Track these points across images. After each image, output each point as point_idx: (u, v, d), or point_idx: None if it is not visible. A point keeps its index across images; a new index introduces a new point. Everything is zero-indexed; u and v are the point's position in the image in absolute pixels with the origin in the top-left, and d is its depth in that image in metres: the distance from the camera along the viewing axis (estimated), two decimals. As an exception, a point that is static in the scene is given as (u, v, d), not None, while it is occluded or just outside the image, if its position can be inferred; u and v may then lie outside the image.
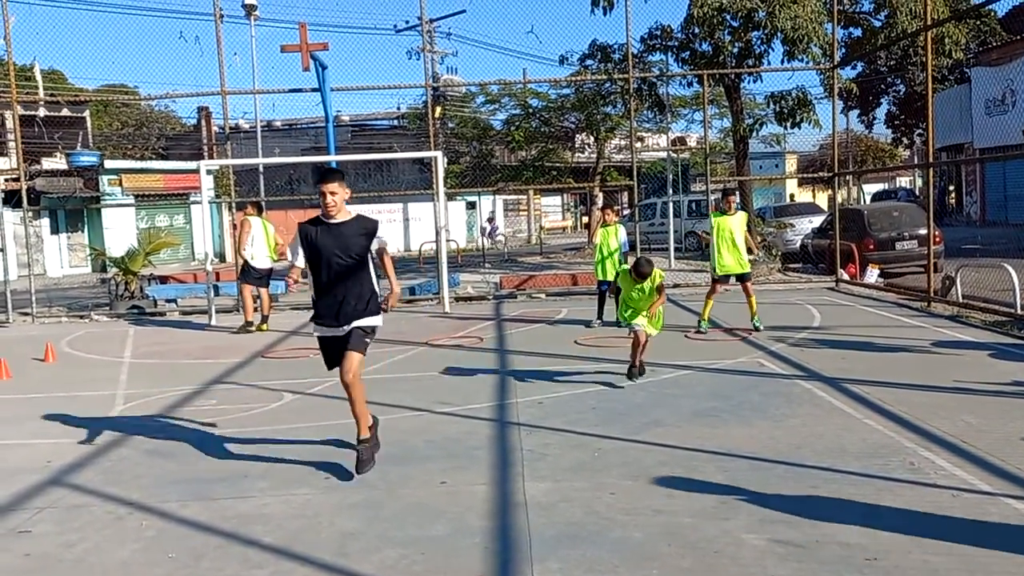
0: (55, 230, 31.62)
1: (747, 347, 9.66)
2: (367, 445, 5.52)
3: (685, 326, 11.23)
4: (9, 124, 27.47)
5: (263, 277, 12.79)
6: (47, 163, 31.82)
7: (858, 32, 21.63)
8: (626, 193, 40.32)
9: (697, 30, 17.74)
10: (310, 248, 5.64)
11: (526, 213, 47.98)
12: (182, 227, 33.78)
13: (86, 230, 32.47)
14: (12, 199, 18.50)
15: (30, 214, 19.93)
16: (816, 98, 19.06)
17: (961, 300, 12.06)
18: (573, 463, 5.62)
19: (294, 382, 8.63)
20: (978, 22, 31.85)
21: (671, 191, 24.46)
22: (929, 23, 13.01)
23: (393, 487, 5.29)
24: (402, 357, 9.98)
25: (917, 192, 43.27)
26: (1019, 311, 10.65)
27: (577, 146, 34.87)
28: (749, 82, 19.55)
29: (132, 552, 4.46)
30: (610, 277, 11.65)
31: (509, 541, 4.38)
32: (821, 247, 18.45)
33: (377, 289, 5.73)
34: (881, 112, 47.30)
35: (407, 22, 38.78)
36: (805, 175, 41.25)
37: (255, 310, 12.98)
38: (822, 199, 45.20)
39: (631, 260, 11.98)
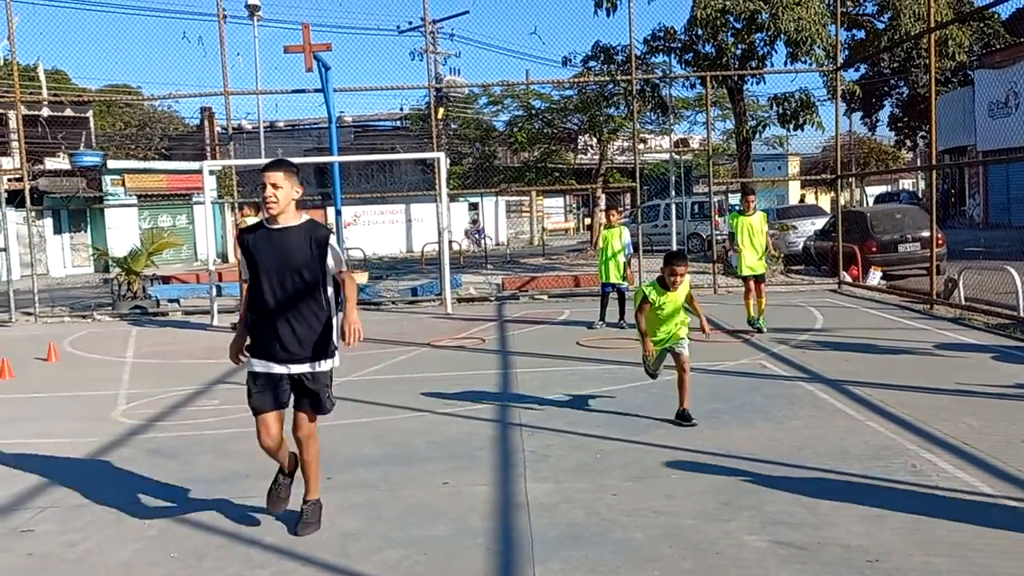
0: (58, 230, 31.66)
1: (749, 349, 9.65)
2: (316, 507, 4.67)
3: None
4: (13, 124, 27.52)
5: None
6: (50, 163, 31.86)
7: (861, 34, 21.60)
8: (629, 195, 40.31)
9: (700, 32, 17.75)
10: (247, 260, 4.50)
11: (528, 215, 47.98)
12: (185, 227, 33.81)
13: (89, 230, 32.50)
14: (15, 199, 18.54)
15: (33, 214, 19.95)
16: (819, 100, 19.08)
17: (963, 303, 12.05)
18: (575, 464, 5.62)
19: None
20: (982, 24, 31.76)
21: (674, 193, 24.43)
22: (932, 25, 13.00)
23: (395, 488, 5.29)
24: (404, 358, 9.98)
25: (920, 195, 43.22)
26: (1022, 314, 10.64)
27: (580, 147, 34.87)
28: (752, 84, 19.57)
29: (134, 552, 4.47)
30: (613, 279, 11.70)
31: (511, 542, 4.38)
32: (824, 249, 18.44)
33: (336, 320, 4.54)
34: (884, 114, 47.25)
35: (410, 23, 38.82)
36: (808, 177, 41.20)
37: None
38: (825, 201, 45.21)
39: (633, 263, 12.06)
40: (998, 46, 32.16)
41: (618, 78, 19.20)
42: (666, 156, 29.54)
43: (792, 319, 11.77)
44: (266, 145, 25.14)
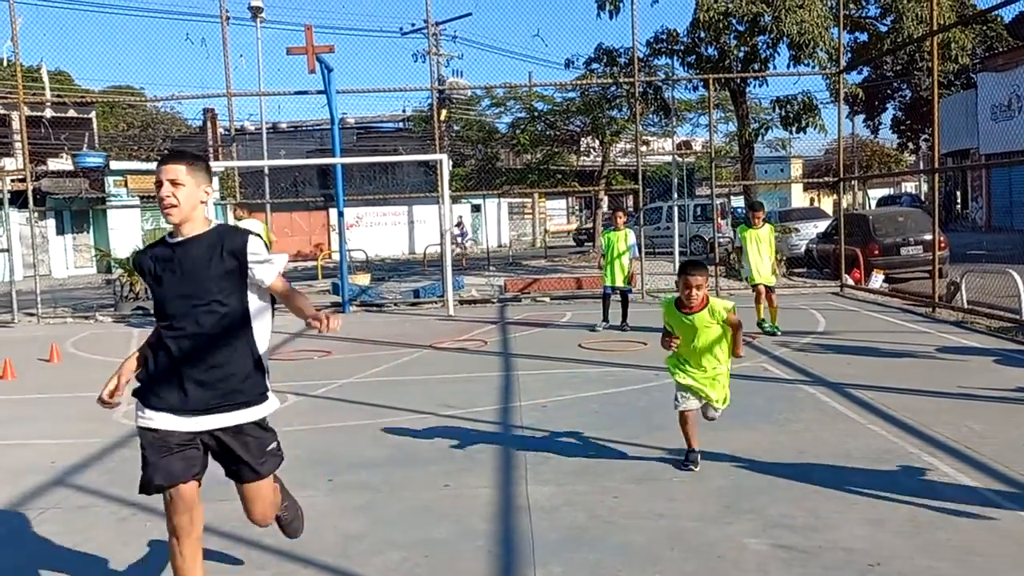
0: (60, 231, 31.71)
1: (751, 352, 9.64)
2: (289, 507, 4.09)
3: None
4: (16, 125, 27.58)
5: None
6: (53, 164, 31.92)
7: (864, 37, 21.63)
8: (631, 197, 40.32)
9: (703, 34, 17.76)
10: (151, 288, 3.52)
11: (531, 217, 48.00)
12: (187, 229, 33.82)
13: (91, 231, 32.55)
14: (18, 200, 18.57)
15: (36, 215, 19.98)
16: (822, 103, 19.09)
17: (966, 306, 12.04)
18: (576, 466, 5.62)
19: (298, 384, 8.64)
20: (984, 27, 31.82)
21: (676, 195, 24.42)
22: (935, 28, 13.00)
23: (396, 490, 5.29)
24: (406, 359, 9.99)
25: (923, 197, 43.21)
26: (1024, 317, 10.63)
27: (582, 149, 34.88)
28: (755, 86, 19.57)
29: (135, 553, 4.47)
30: (617, 282, 11.68)
31: (512, 545, 4.38)
32: (826, 252, 18.44)
33: (263, 353, 3.56)
34: (887, 117, 47.29)
35: (413, 25, 38.89)
36: (810, 180, 41.19)
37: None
38: (827, 204, 45.19)
39: (636, 264, 12.04)
40: (1001, 49, 32.18)
41: (621, 80, 19.20)
42: (668, 158, 29.56)
43: (794, 322, 11.76)
44: (268, 146, 25.19)
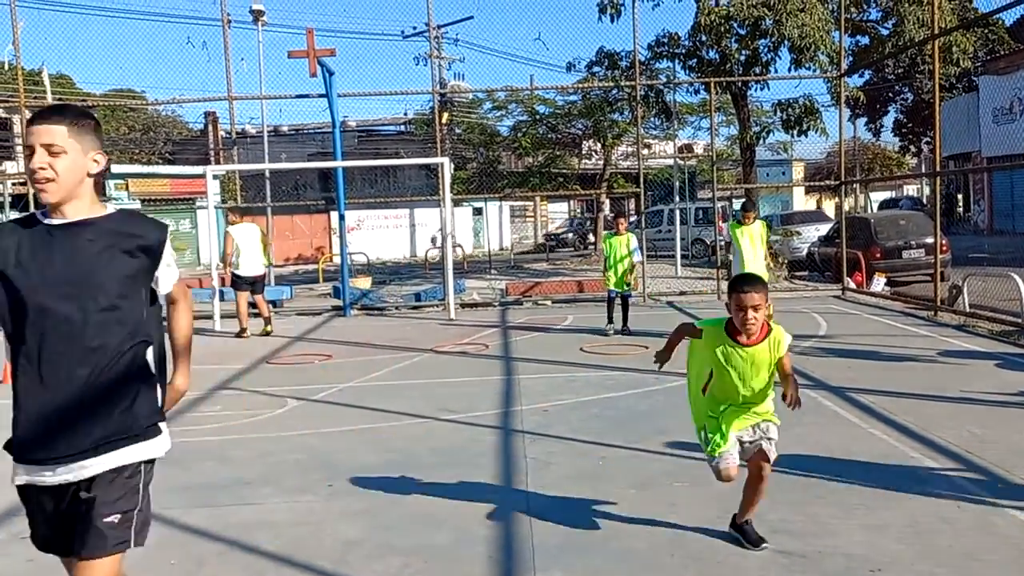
0: (62, 234, 31.70)
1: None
2: None
3: (690, 334, 11.20)
4: (17, 128, 27.61)
5: (255, 283, 12.80)
6: (55, 167, 31.92)
7: (865, 40, 21.64)
8: (633, 200, 40.31)
9: (704, 38, 17.77)
10: (4, 282, 2.60)
11: (532, 220, 48.00)
12: (188, 232, 33.89)
13: (93, 234, 32.55)
14: (19, 203, 18.58)
15: (37, 218, 19.96)
16: (823, 106, 19.08)
17: (968, 309, 12.03)
18: (577, 471, 5.61)
19: (299, 388, 8.63)
20: (986, 31, 31.78)
21: (678, 198, 24.42)
22: (936, 32, 12.99)
23: (396, 494, 5.28)
24: (407, 363, 9.97)
25: (925, 200, 43.18)
26: (1026, 321, 10.61)
27: (584, 153, 34.91)
28: (756, 90, 19.59)
29: (134, 558, 4.42)
30: (626, 289, 11.62)
31: (512, 550, 4.37)
32: (828, 255, 18.43)
33: (154, 374, 2.85)
34: (889, 120, 47.29)
35: (415, 28, 38.86)
36: (812, 183, 41.18)
37: (257, 316, 13.02)
38: (829, 207, 45.15)
39: (638, 266, 11.97)
40: (1002, 52, 32.15)
41: (622, 83, 19.22)
42: (670, 162, 29.58)
43: (796, 325, 11.73)
44: (270, 150, 25.18)
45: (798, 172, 47.48)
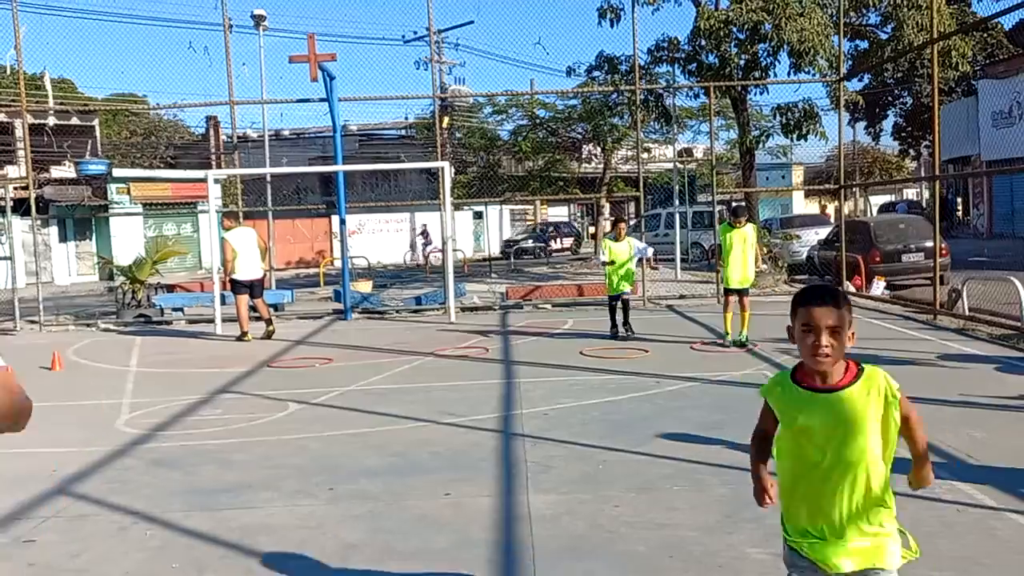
0: (63, 238, 31.75)
1: (753, 359, 9.64)
2: None
3: (690, 338, 11.22)
4: (19, 133, 27.64)
5: (253, 286, 12.80)
6: (56, 171, 31.99)
7: (864, 45, 21.68)
8: (633, 204, 40.34)
9: (704, 42, 17.78)
10: None
11: (533, 224, 48.01)
12: (190, 236, 33.90)
13: (94, 238, 32.60)
14: (21, 207, 18.60)
15: (38, 222, 20.02)
16: (822, 110, 19.11)
17: (967, 313, 12.03)
18: (577, 475, 5.62)
19: (300, 392, 8.64)
20: (985, 35, 31.84)
21: (677, 202, 24.46)
22: (936, 36, 13.02)
23: (396, 498, 5.29)
24: (407, 367, 9.98)
25: (923, 204, 43.20)
26: (1026, 324, 10.62)
27: (584, 156, 34.93)
28: (755, 94, 19.61)
29: (136, 562, 4.47)
30: (622, 288, 11.56)
31: (512, 554, 4.38)
32: (827, 259, 18.44)
33: None
34: (888, 124, 47.29)
35: (415, 33, 38.87)
36: (812, 187, 41.20)
37: (258, 319, 13.04)
38: (829, 209, 45.14)
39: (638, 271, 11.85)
40: (1001, 56, 32.19)
41: (622, 88, 19.24)
42: (670, 165, 29.61)
43: (796, 329, 11.74)
44: (271, 154, 25.21)
45: (798, 176, 47.49)
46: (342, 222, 16.12)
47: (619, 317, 11.70)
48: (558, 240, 36.97)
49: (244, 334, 12.56)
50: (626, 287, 11.65)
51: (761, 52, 17.75)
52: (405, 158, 36.82)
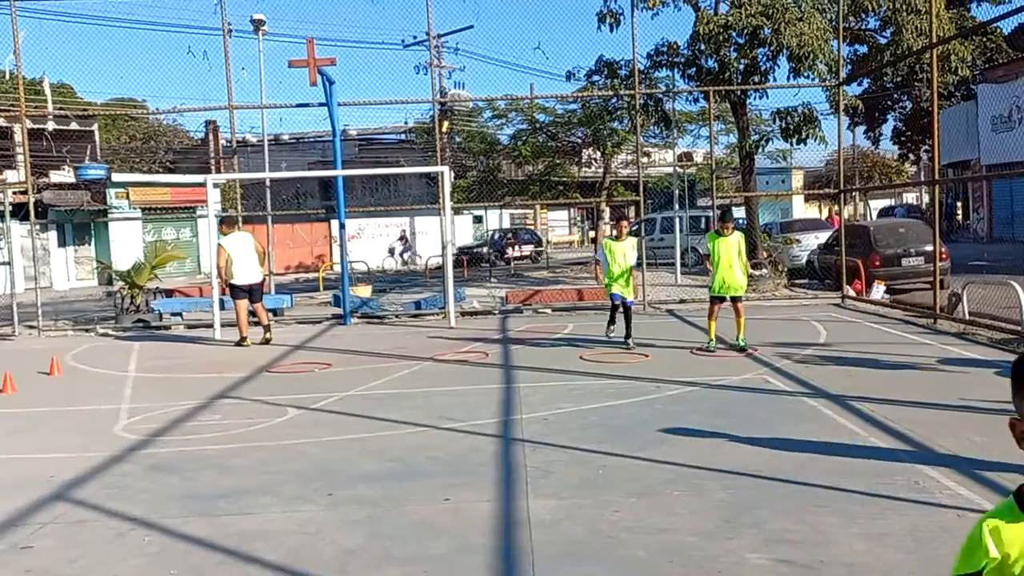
0: (62, 243, 31.75)
1: (752, 363, 9.63)
2: None
3: (691, 342, 11.20)
4: (18, 138, 27.66)
5: (252, 291, 12.79)
6: (55, 176, 32.00)
7: (864, 49, 21.68)
8: (633, 208, 40.35)
9: (703, 47, 17.81)
10: None
11: (532, 228, 48.06)
12: (189, 241, 33.91)
13: (93, 243, 32.60)
14: (20, 212, 18.62)
15: (37, 227, 20.02)
16: (822, 114, 19.12)
17: (967, 317, 12.02)
18: (577, 480, 5.60)
19: (299, 397, 8.63)
20: (984, 39, 31.88)
21: (677, 206, 24.45)
22: (935, 41, 13.02)
23: (396, 504, 5.27)
24: (407, 372, 9.97)
25: (923, 208, 43.23)
26: (1026, 329, 10.60)
27: (584, 161, 34.96)
28: (755, 98, 19.60)
29: (134, 568, 4.45)
30: (628, 297, 11.28)
31: (512, 560, 4.36)
32: (827, 263, 18.43)
33: None
34: (888, 128, 47.33)
35: (415, 37, 38.92)
36: (811, 192, 41.22)
37: (257, 324, 13.03)
38: (827, 214, 45.18)
39: (637, 275, 11.74)
40: (1001, 60, 32.23)
41: (621, 92, 19.26)
42: (670, 170, 29.62)
43: (795, 333, 11.74)
44: (270, 158, 25.21)
45: (797, 180, 47.53)
46: (341, 226, 16.11)
47: (620, 322, 11.49)
48: (516, 247, 34.86)
49: (243, 339, 12.55)
50: (627, 294, 11.19)
51: (760, 56, 17.77)
52: (405, 162, 36.84)
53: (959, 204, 40.16)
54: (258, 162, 30.74)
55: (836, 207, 47.53)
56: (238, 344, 12.51)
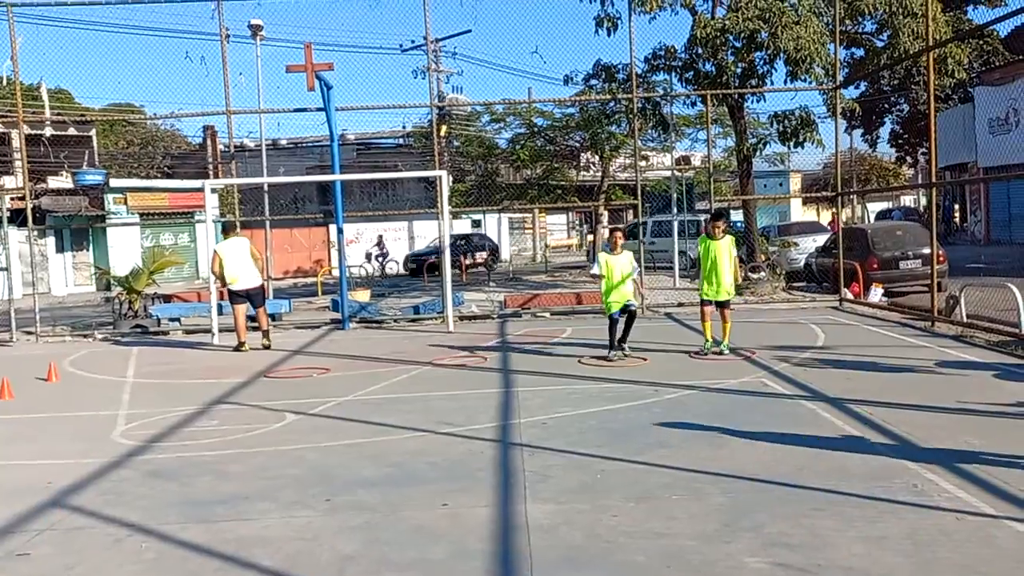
0: (60, 249, 31.72)
1: (751, 367, 9.63)
2: None
3: (688, 346, 11.20)
4: (15, 143, 27.64)
5: (251, 296, 12.78)
6: (53, 182, 31.96)
7: (861, 52, 21.74)
8: (631, 211, 40.33)
9: (700, 51, 17.83)
10: None
11: (531, 232, 48.05)
12: (187, 246, 33.88)
13: (91, 249, 32.57)
14: (18, 218, 18.58)
15: (35, 233, 20.01)
16: (819, 117, 19.12)
17: (965, 320, 12.03)
18: (576, 484, 5.60)
19: (297, 402, 8.62)
20: (980, 42, 31.97)
21: (675, 210, 24.43)
22: (931, 44, 13.05)
23: (394, 509, 5.27)
24: (405, 377, 9.96)
25: (921, 210, 43.27)
26: (1023, 331, 10.61)
27: (582, 165, 34.94)
28: (752, 102, 19.62)
29: (131, 575, 4.44)
30: (630, 300, 10.96)
31: (510, 565, 4.36)
32: (825, 266, 18.44)
33: None
34: (885, 131, 47.40)
35: (413, 41, 39.00)
36: (809, 195, 41.27)
37: (256, 329, 13.02)
38: (826, 218, 45.23)
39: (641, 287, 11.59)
40: (997, 63, 32.29)
41: (619, 96, 19.28)
42: (668, 173, 29.61)
43: (793, 336, 11.74)
44: (268, 163, 25.21)
45: (795, 183, 47.59)
46: (340, 231, 16.10)
47: (620, 328, 10.70)
48: (469, 255, 33.38)
49: (241, 344, 12.54)
50: (628, 298, 10.57)
51: (758, 60, 17.80)
52: (403, 167, 36.83)
53: (956, 207, 40.21)
54: (256, 167, 30.69)
55: (833, 212, 47.58)
56: (236, 349, 12.50)
